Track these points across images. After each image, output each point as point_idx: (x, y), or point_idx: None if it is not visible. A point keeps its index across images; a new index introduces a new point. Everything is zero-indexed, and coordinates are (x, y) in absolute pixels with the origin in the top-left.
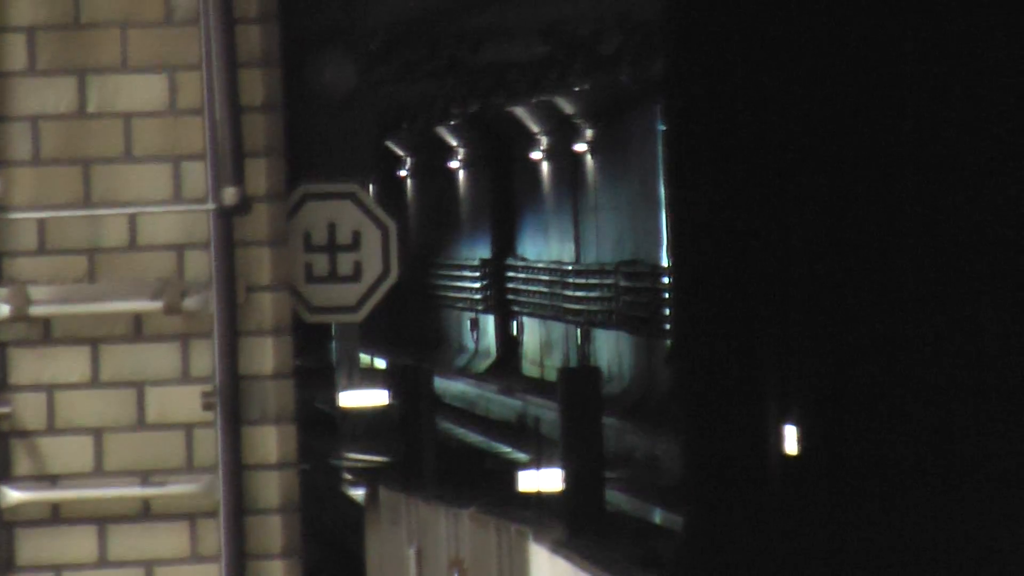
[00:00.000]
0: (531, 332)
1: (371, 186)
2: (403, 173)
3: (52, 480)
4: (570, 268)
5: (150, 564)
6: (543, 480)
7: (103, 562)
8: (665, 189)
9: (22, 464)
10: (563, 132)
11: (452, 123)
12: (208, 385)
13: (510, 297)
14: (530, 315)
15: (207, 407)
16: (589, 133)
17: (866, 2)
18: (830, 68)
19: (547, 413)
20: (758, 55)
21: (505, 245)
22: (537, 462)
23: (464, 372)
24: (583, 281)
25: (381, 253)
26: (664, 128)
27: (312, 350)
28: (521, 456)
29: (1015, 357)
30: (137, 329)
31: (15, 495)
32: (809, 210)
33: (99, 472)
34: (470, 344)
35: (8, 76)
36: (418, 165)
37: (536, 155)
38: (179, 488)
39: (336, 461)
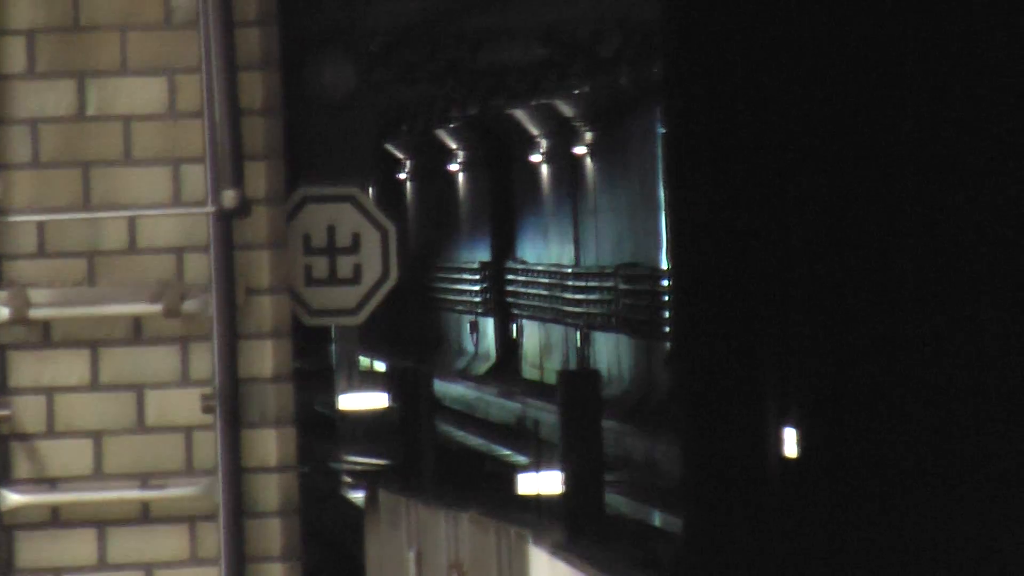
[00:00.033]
0: (531, 335)
1: (371, 189)
2: (402, 176)
3: (52, 483)
4: (570, 271)
5: (150, 567)
6: (543, 483)
7: (103, 565)
8: (665, 191)
9: (22, 467)
10: (563, 135)
11: (452, 126)
12: (208, 388)
13: (510, 300)
14: (530, 318)
15: (207, 410)
16: (589, 136)
17: (865, 3)
18: (829, 69)
19: (547, 416)
20: (757, 56)
21: (505, 248)
22: (537, 465)
23: (464, 375)
24: (583, 284)
25: (380, 256)
26: (664, 130)
27: (311, 353)
28: (521, 459)
29: (1015, 357)
30: (137, 332)
31: (15, 498)
32: (809, 211)
33: (99, 475)
34: (470, 347)
35: (7, 78)
36: (418, 168)
37: (536, 158)
38: (179, 491)
39: (336, 464)
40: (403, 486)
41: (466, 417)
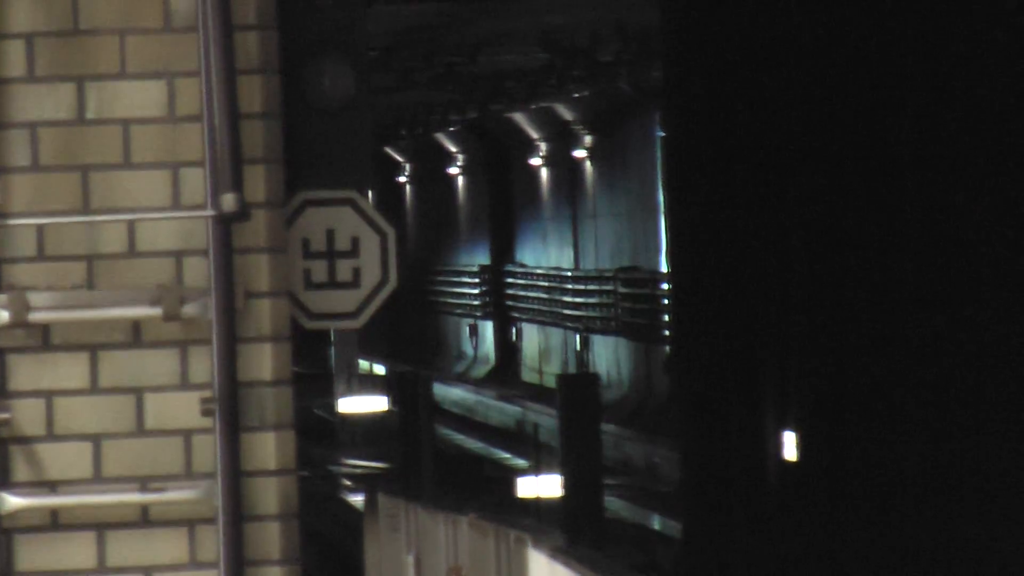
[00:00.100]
0: (530, 338)
1: (370, 192)
2: (402, 179)
3: (51, 486)
4: (569, 274)
5: (149, 570)
6: (542, 486)
7: (102, 568)
8: (664, 195)
9: (21, 470)
10: (562, 138)
11: (451, 129)
12: (207, 391)
13: (509, 303)
14: (529, 321)
15: (206, 413)
16: (588, 139)
17: (864, 5)
18: (828, 71)
19: (546, 419)
20: (756, 60)
21: (504, 251)
22: (536, 468)
23: (463, 378)
24: (582, 287)
25: (380, 259)
26: (663, 134)
27: (311, 356)
28: (520, 462)
29: (1015, 358)
30: (136, 335)
31: (14, 501)
32: (808, 214)
33: (98, 478)
34: (469, 350)
35: (7, 82)
36: (417, 171)
37: (535, 161)
38: (178, 494)
39: (335, 467)
40: (402, 490)
41: (465, 421)
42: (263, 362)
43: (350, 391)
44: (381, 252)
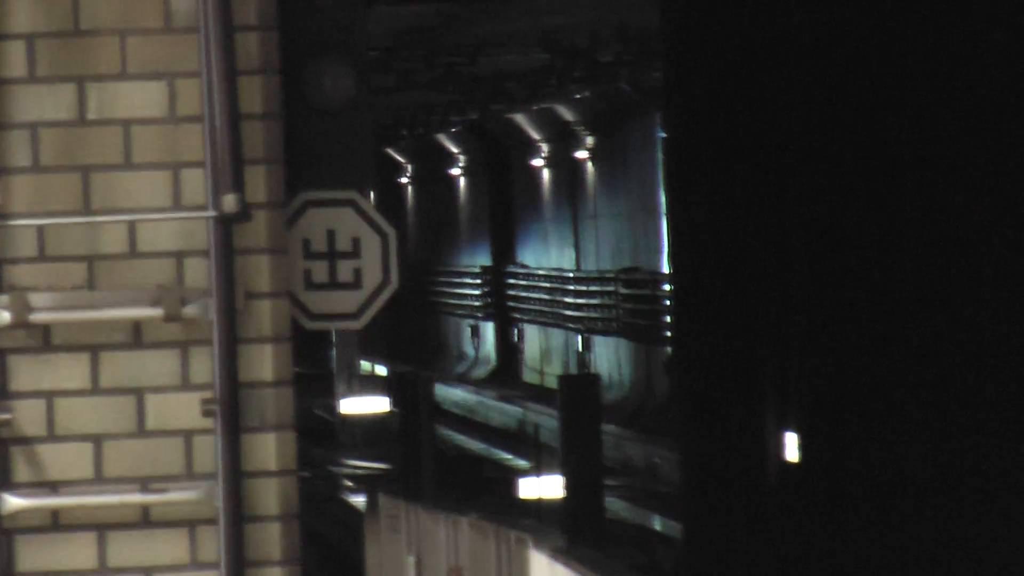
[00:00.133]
0: (531, 339)
1: (371, 193)
2: (403, 180)
3: (52, 487)
4: (570, 275)
5: (150, 571)
6: (543, 487)
7: (103, 569)
8: (665, 195)
9: (22, 471)
10: (563, 139)
11: (452, 130)
12: (208, 392)
13: (510, 304)
14: (530, 322)
15: (207, 414)
16: (589, 140)
17: (864, 5)
18: (828, 71)
19: (547, 420)
20: (757, 60)
21: (505, 252)
22: (537, 469)
23: (464, 379)
24: (583, 288)
25: (381, 260)
26: (664, 134)
27: (312, 357)
28: (521, 463)
29: (1015, 358)
30: (137, 336)
31: (15, 502)
32: (808, 215)
33: (99, 479)
34: (470, 351)
35: (7, 83)
36: (418, 172)
37: (536, 162)
38: (179, 495)
39: (336, 468)
40: (403, 490)
41: (467, 422)
42: (264, 363)
43: (351, 392)
44: (382, 253)
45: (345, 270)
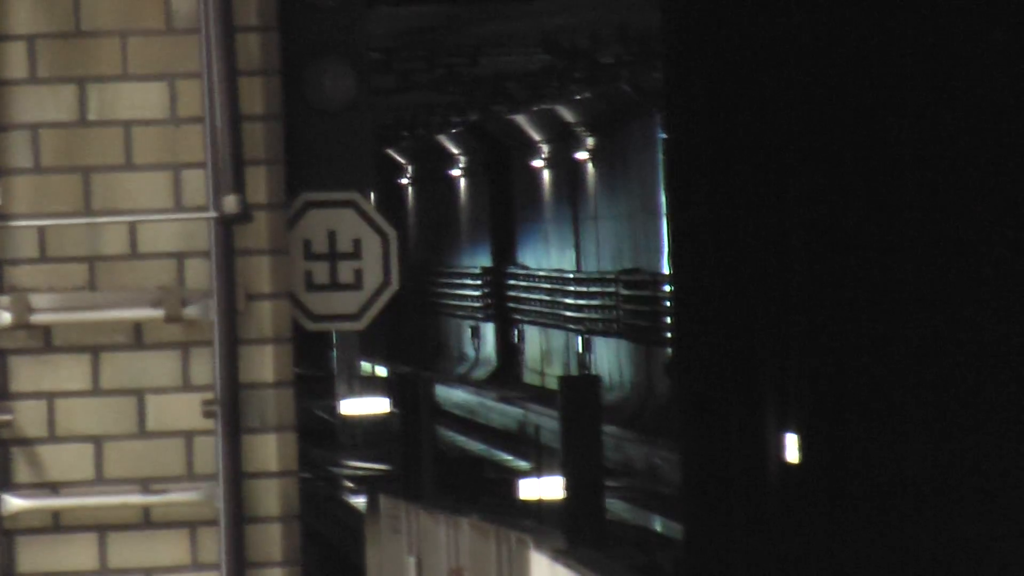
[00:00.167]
0: (532, 340)
1: (372, 194)
2: (404, 181)
3: (53, 488)
4: (571, 276)
5: (150, 572)
6: (544, 488)
7: (104, 570)
8: (666, 196)
9: (23, 472)
10: (564, 140)
11: (453, 131)
12: (208, 393)
13: (511, 305)
14: (531, 323)
15: (207, 415)
16: (590, 141)
17: (864, 6)
18: (828, 71)
19: (548, 421)
20: (757, 61)
21: (506, 253)
22: (538, 470)
23: (465, 380)
24: (584, 289)
25: (382, 261)
26: (664, 135)
27: (312, 358)
28: (522, 464)
29: (1015, 358)
30: (137, 337)
31: (16, 503)
32: (808, 215)
33: (100, 480)
34: (471, 352)
35: (8, 84)
36: (419, 173)
37: (537, 163)
38: (179, 496)
39: (336, 469)
40: (404, 491)
41: (467, 423)
42: (265, 364)
43: (352, 393)
44: (383, 254)
45: (346, 271)
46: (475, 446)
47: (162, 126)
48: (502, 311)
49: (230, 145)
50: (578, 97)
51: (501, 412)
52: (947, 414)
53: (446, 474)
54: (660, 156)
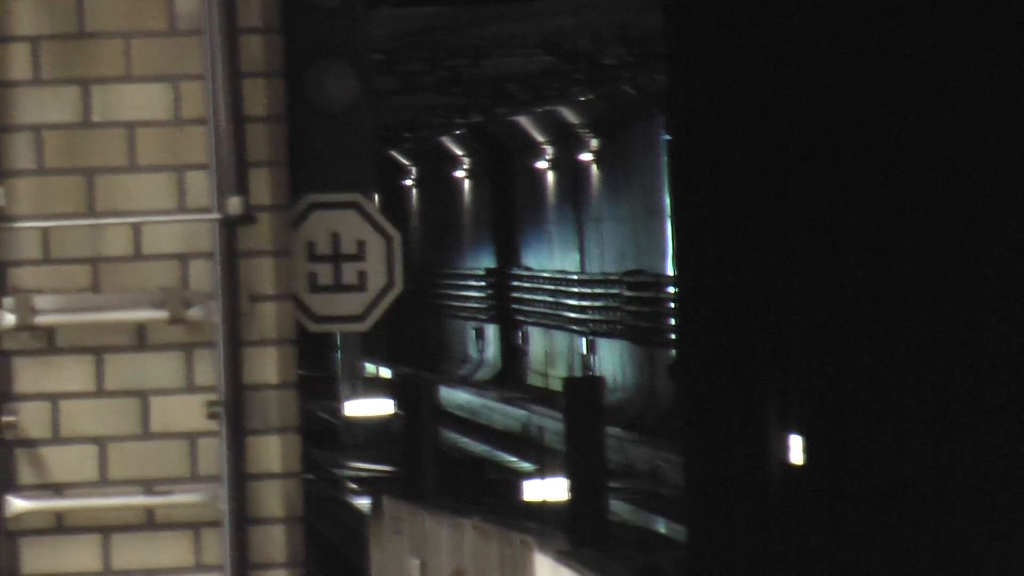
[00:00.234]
0: (535, 342)
1: (375, 196)
2: (407, 183)
3: (56, 489)
4: (574, 278)
5: (153, 573)
6: (547, 490)
7: (107, 571)
8: (669, 198)
9: (26, 473)
10: (567, 142)
11: (456, 133)
12: (212, 395)
13: (514, 307)
14: (534, 325)
15: (211, 416)
16: (593, 143)
17: (864, 5)
18: (828, 71)
19: (551, 423)
20: (758, 62)
21: (509, 255)
22: (541, 472)
23: (468, 381)
24: (587, 291)
25: (385, 263)
26: (668, 137)
27: (316, 360)
28: (525, 466)
29: (1015, 359)
30: (141, 339)
31: (19, 504)
32: (808, 215)
33: (103, 481)
34: (474, 354)
35: (12, 86)
36: (422, 174)
37: (540, 165)
38: (183, 497)
39: (339, 471)
40: (407, 493)
41: (471, 424)
42: (268, 365)
43: (355, 394)
44: (386, 255)
45: (349, 272)
46: (478, 448)
47: (165, 127)
48: (506, 313)
49: (233, 146)
50: (581, 98)
51: (504, 413)
52: (947, 414)
53: (449, 476)
54: (663, 157)
